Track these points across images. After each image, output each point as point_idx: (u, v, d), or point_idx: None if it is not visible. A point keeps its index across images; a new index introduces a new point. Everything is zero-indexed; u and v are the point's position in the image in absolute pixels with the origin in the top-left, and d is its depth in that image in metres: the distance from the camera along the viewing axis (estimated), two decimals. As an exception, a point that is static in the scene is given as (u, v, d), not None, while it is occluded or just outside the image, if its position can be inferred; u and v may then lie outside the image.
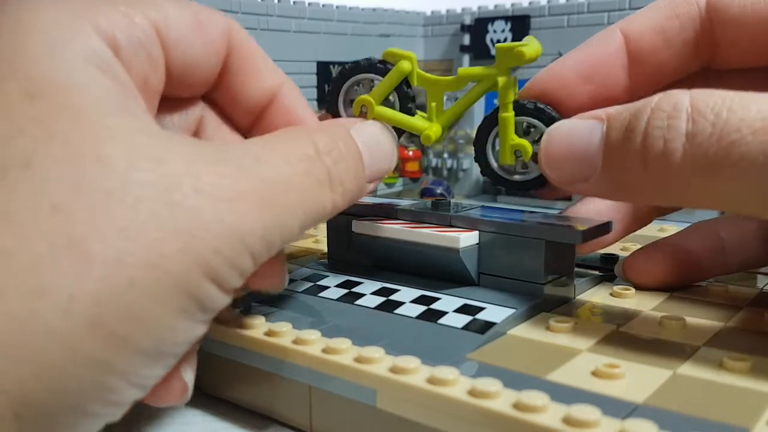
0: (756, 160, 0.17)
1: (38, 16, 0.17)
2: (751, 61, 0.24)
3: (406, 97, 0.26)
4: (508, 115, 0.24)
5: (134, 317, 0.15)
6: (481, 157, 0.26)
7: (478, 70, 0.25)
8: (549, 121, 0.24)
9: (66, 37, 0.17)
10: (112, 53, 0.18)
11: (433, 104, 0.26)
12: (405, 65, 0.25)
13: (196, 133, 0.24)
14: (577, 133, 0.21)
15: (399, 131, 0.26)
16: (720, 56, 0.24)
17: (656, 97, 0.19)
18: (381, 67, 0.26)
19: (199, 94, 0.23)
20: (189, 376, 0.20)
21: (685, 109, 0.18)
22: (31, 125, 0.15)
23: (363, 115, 0.26)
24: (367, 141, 0.22)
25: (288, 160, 0.19)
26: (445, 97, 0.26)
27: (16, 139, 0.15)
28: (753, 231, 0.27)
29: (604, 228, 0.25)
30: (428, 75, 0.26)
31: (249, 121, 0.24)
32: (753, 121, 0.17)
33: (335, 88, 0.27)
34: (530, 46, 0.24)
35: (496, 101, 0.25)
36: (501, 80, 0.24)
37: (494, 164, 0.26)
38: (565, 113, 0.25)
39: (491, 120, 0.25)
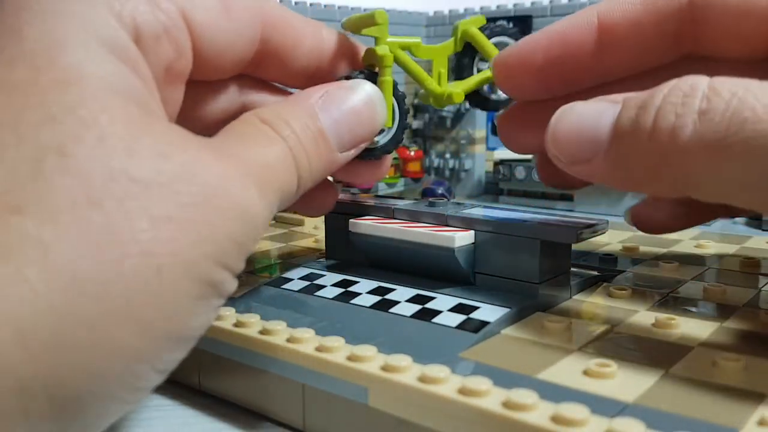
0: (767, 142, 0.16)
1: (61, 5, 0.17)
2: (735, 54, 0.23)
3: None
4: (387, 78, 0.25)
5: (161, 305, 0.15)
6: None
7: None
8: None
9: (88, 26, 0.17)
10: (133, 42, 0.18)
11: (441, 71, 0.27)
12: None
13: (238, 113, 0.24)
14: (587, 113, 0.20)
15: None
16: (702, 48, 0.24)
17: (674, 81, 0.19)
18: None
19: (234, 74, 0.24)
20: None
21: (702, 90, 0.18)
22: (62, 112, 0.15)
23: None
24: (335, 113, 0.22)
25: (263, 145, 0.19)
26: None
27: (48, 126, 0.15)
28: None
29: (599, 226, 0.25)
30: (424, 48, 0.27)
31: (305, 82, 0.25)
32: None
33: None
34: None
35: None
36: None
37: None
38: (525, 92, 0.26)
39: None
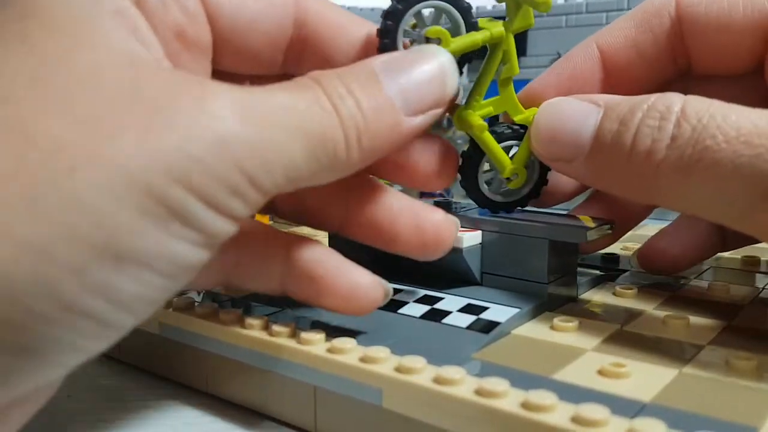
0: (725, 169, 0.18)
1: None
2: (724, 69, 0.25)
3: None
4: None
5: (77, 207, 0.14)
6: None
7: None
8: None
9: None
10: (134, 5, 0.18)
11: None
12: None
13: None
14: (571, 114, 0.21)
15: None
16: (695, 65, 0.25)
17: (653, 97, 0.20)
18: None
19: (271, 67, 0.22)
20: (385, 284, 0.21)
21: (675, 113, 0.19)
22: (7, 35, 0.15)
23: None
24: (399, 74, 0.19)
25: (290, 92, 0.17)
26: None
27: None
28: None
29: (607, 225, 0.25)
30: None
31: None
32: (729, 129, 0.18)
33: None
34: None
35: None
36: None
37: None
38: None
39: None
